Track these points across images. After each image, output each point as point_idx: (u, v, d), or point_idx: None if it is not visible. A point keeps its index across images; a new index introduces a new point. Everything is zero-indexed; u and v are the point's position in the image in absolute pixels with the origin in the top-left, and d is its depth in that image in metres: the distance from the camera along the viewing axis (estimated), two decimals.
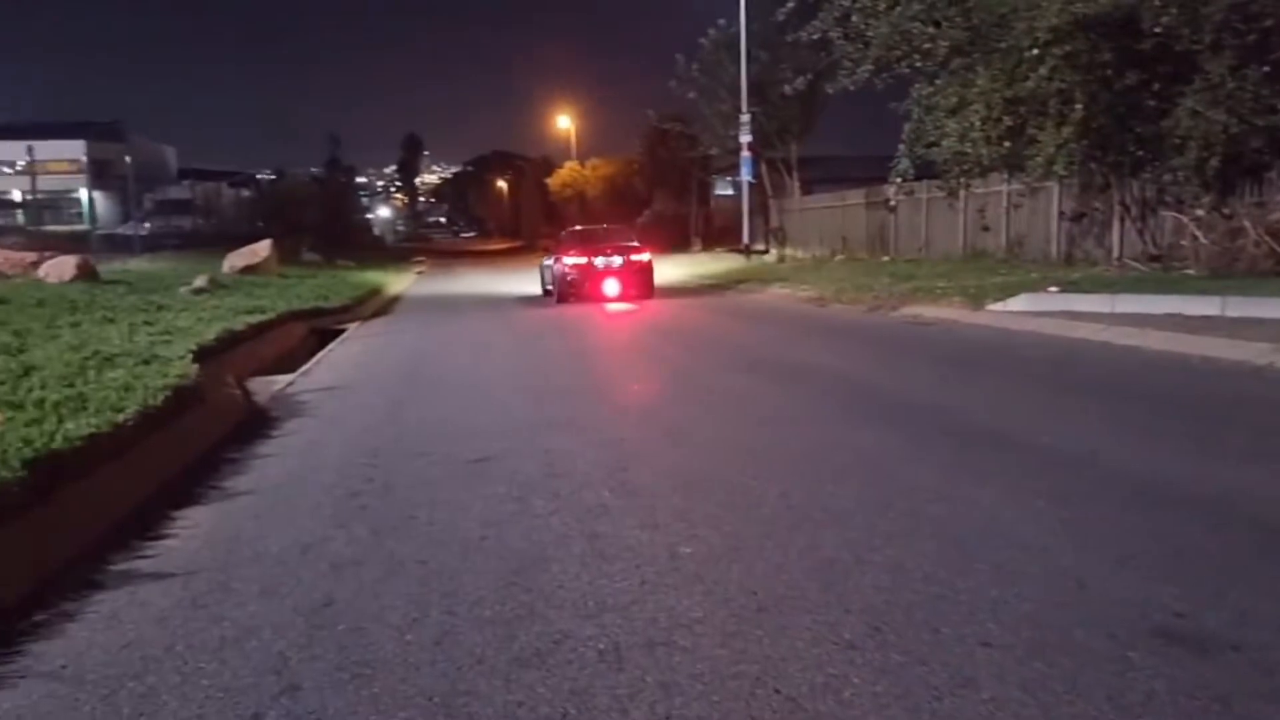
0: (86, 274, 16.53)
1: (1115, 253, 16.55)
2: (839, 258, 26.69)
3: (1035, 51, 13.29)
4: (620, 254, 18.53)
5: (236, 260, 23.51)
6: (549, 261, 20.23)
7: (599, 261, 18.19)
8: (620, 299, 17.77)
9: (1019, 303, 12.06)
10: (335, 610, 3.31)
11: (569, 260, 18.40)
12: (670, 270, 28.57)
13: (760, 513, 4.24)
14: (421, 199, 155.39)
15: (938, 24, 14.50)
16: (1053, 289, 12.37)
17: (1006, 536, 3.79)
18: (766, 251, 30.86)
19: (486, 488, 4.88)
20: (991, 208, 20.03)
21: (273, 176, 65.77)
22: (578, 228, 23.29)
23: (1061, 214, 17.83)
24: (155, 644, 3.10)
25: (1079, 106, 13.39)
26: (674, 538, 3.94)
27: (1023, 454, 5.12)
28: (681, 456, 5.38)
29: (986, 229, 20.08)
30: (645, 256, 18.84)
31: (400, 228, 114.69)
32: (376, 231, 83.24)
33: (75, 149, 56.08)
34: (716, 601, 3.26)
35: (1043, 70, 13.34)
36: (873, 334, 11.54)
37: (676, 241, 41.89)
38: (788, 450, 5.46)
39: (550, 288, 19.68)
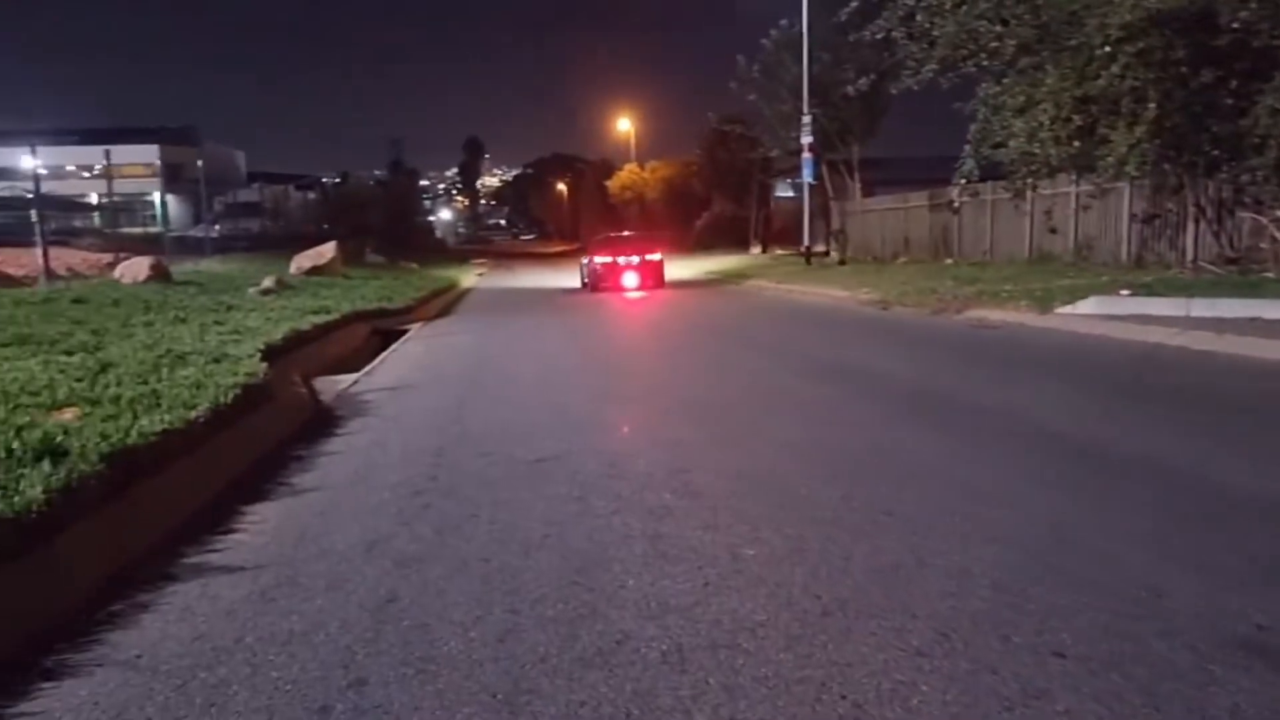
0: (159, 275, 16.99)
1: (1189, 255, 16.11)
2: (901, 260, 26.38)
3: (1107, 49, 12.97)
4: (638, 254, 23.62)
5: (303, 261, 23.99)
6: (585, 260, 25.20)
7: (620, 260, 23.31)
8: (638, 289, 22.40)
9: (1089, 306, 11.78)
10: (400, 606, 3.35)
11: (598, 259, 23.70)
12: (730, 266, 28.49)
13: (822, 515, 4.19)
14: (482, 201, 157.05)
15: (1005, 22, 14.21)
16: (1124, 292, 12.07)
17: (1077, 544, 3.69)
18: (827, 254, 30.60)
19: (548, 487, 4.90)
20: (1059, 209, 19.63)
21: (337, 179, 66.96)
22: (607, 235, 29.38)
23: (1134, 216, 17.40)
24: (226, 636, 3.16)
25: (1152, 105, 13.04)
26: (736, 539, 3.91)
27: (1093, 460, 4.99)
28: (743, 458, 5.34)
29: (1054, 231, 19.68)
30: (657, 256, 23.81)
31: (461, 230, 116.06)
32: (438, 233, 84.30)
33: (150, 153, 57.81)
34: (780, 604, 3.23)
35: (1114, 68, 13.01)
36: (937, 336, 11.37)
37: (735, 244, 41.76)
38: (850, 452, 5.39)
39: (586, 281, 24.45)
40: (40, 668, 2.99)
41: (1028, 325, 11.77)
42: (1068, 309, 12.02)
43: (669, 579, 3.50)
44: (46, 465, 4.23)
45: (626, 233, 32.29)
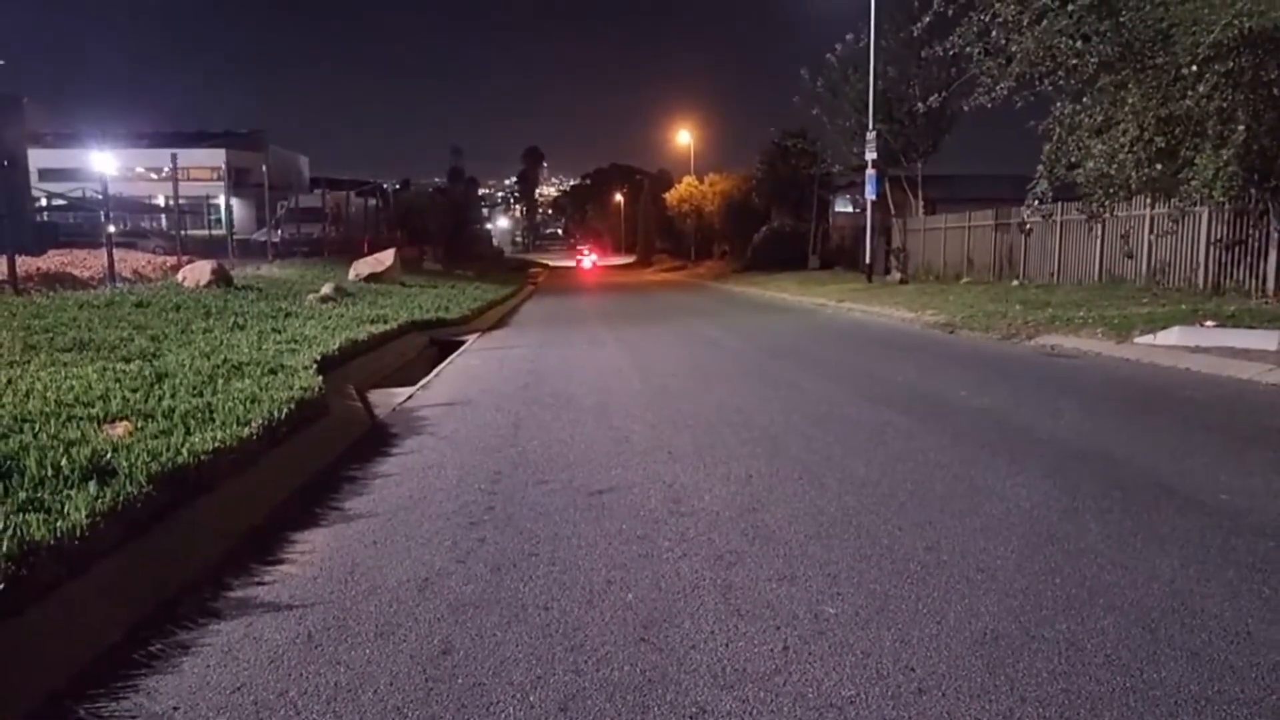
0: (221, 279, 17.10)
1: (1270, 284, 15.43)
2: (964, 280, 25.81)
3: (1194, 68, 12.44)
4: (588, 254, 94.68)
5: (362, 268, 24.13)
6: (576, 255, 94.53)
7: (583, 256, 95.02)
8: (590, 270, 73.58)
9: (1171, 336, 11.23)
10: (454, 661, 3.10)
11: (578, 255, 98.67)
12: (787, 285, 28.02)
13: (908, 568, 3.87)
14: (540, 211, 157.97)
15: (1086, 38, 13.70)
16: (1209, 323, 11.50)
17: (1198, 615, 3.33)
18: (888, 272, 30.09)
19: (609, 523, 4.64)
20: (1134, 233, 19.01)
21: (398, 186, 67.80)
22: (579, 247, 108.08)
23: (1216, 241, 16.76)
24: (268, 688, 2.94)
25: (1241, 127, 12.47)
26: (815, 594, 3.61)
27: (1203, 514, 4.58)
28: (816, 497, 5.03)
29: (1130, 256, 19.07)
30: (595, 256, 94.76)
31: (518, 239, 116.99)
32: (495, 242, 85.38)
33: (216, 157, 59.10)
34: (869, 677, 2.92)
35: (1201, 88, 12.48)
36: (1010, 365, 10.91)
37: (793, 259, 41.26)
38: (933, 495, 5.04)
39: (575, 263, 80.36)
40: (72, 718, 2.79)
41: (1105, 355, 11.26)
42: (1147, 339, 11.49)
43: (744, 639, 3.22)
44: (93, 486, 4.08)
45: (585, 246, 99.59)
